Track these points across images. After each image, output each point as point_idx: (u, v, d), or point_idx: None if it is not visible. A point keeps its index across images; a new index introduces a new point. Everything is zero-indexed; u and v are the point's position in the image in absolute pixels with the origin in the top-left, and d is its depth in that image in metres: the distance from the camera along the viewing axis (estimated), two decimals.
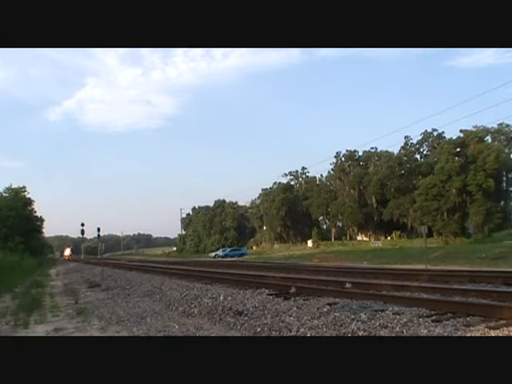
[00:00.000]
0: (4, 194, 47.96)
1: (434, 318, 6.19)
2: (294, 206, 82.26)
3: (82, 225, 21.75)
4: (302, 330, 6.07)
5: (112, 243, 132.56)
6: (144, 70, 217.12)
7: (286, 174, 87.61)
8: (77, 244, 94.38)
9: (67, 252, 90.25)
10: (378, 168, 69.10)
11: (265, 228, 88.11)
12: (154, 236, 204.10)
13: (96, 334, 7.15)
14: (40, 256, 46.54)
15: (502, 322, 5.69)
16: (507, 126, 62.37)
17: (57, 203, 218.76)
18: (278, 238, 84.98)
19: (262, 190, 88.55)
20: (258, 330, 6.56)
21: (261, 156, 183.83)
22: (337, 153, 76.01)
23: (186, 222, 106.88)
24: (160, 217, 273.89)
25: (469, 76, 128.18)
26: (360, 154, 74.69)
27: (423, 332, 5.38)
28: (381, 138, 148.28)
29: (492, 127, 62.37)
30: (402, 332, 5.48)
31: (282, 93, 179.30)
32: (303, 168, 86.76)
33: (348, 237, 74.65)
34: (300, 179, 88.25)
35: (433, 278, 11.88)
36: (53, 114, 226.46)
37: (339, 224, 78.33)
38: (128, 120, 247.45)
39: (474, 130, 61.29)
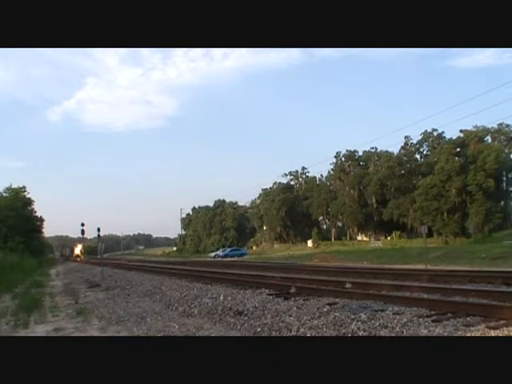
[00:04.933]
0: (4, 194, 48.00)
1: (434, 318, 6.18)
2: (293, 205, 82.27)
3: (82, 225, 21.76)
4: (302, 329, 6.06)
5: (112, 243, 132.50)
6: (144, 70, 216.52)
7: (286, 174, 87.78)
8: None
9: (78, 250, 67.21)
10: (378, 168, 69.12)
11: (265, 228, 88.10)
12: (154, 236, 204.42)
13: (96, 334, 7.14)
14: (40, 256, 46.52)
15: (502, 322, 5.68)
16: (507, 126, 62.43)
17: (57, 203, 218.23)
18: (278, 238, 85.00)
19: (262, 189, 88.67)
20: (258, 330, 6.56)
21: (261, 156, 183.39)
22: (337, 153, 76.15)
23: (186, 222, 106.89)
24: (160, 217, 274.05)
25: (469, 76, 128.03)
26: (360, 154, 74.73)
27: (423, 332, 5.38)
28: (381, 138, 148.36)
29: (492, 127, 62.46)
30: (402, 332, 5.48)
31: (282, 93, 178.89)
32: (303, 168, 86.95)
33: (348, 237, 74.66)
34: (300, 179, 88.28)
35: (433, 278, 11.86)
36: (53, 114, 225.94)
37: (339, 224, 78.35)
38: (128, 120, 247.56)
39: (474, 130, 61.35)
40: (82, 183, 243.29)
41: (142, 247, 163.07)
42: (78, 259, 56.40)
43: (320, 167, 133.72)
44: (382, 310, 6.81)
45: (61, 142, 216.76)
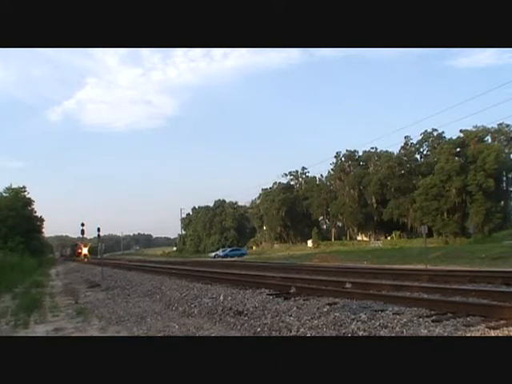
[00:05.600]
0: (4, 194, 48.03)
1: (434, 318, 6.18)
2: (293, 205, 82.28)
3: (82, 225, 21.77)
4: (302, 329, 6.06)
5: (112, 243, 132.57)
6: (144, 70, 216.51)
7: (286, 174, 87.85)
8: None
9: (85, 250, 61.34)
10: (378, 168, 69.15)
11: (265, 228, 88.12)
12: (154, 236, 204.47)
13: (96, 334, 7.14)
14: (40, 256, 46.52)
15: (502, 322, 5.68)
16: (507, 126, 62.48)
17: (57, 203, 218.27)
18: (278, 238, 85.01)
19: (262, 189, 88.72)
20: (258, 330, 6.56)
21: (261, 156, 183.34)
22: (337, 153, 76.20)
23: (186, 222, 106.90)
24: (160, 217, 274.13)
25: (469, 76, 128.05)
26: (360, 154, 74.78)
27: (423, 332, 5.38)
28: (381, 138, 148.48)
29: (492, 127, 62.50)
30: (402, 332, 5.48)
31: (282, 93, 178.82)
32: (303, 168, 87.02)
33: (348, 237, 74.67)
34: (300, 179, 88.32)
35: (433, 278, 11.86)
36: (53, 114, 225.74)
37: (339, 224, 78.38)
38: (128, 120, 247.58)
39: (474, 130, 61.38)
40: (82, 183, 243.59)
41: (138, 247, 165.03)
42: (86, 259, 55.78)
43: (320, 167, 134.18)
44: (382, 310, 6.81)
45: (61, 142, 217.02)
